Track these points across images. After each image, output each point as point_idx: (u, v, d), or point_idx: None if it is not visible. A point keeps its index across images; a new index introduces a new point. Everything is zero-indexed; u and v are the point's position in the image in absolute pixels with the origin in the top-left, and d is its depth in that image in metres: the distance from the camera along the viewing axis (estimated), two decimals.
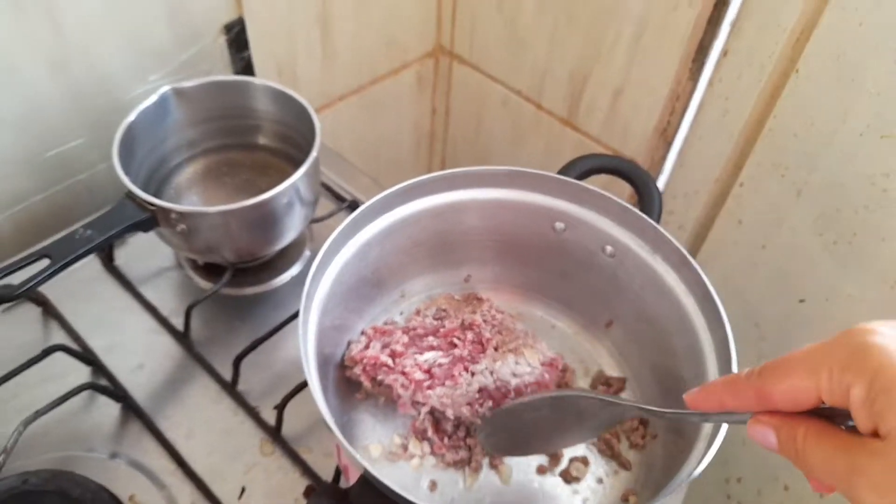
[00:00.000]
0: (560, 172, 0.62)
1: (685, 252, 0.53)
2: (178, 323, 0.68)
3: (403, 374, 0.56)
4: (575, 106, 0.98)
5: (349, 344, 0.60)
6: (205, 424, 0.62)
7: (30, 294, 0.64)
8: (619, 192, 0.60)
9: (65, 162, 0.76)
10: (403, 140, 1.23)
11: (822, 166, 0.72)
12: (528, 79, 1.02)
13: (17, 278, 0.56)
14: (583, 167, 0.62)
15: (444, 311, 0.63)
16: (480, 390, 0.55)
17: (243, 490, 0.58)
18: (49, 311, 0.68)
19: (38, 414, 0.56)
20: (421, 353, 0.57)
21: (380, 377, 0.57)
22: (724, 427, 0.45)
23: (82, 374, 0.64)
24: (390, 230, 0.60)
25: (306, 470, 0.60)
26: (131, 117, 0.67)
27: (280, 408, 0.60)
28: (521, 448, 0.55)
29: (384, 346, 0.58)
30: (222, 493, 0.58)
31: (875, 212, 0.70)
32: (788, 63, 0.71)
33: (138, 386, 0.64)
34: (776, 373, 0.31)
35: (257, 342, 0.64)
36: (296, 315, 0.66)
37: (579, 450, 0.58)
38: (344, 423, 0.59)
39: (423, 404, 0.55)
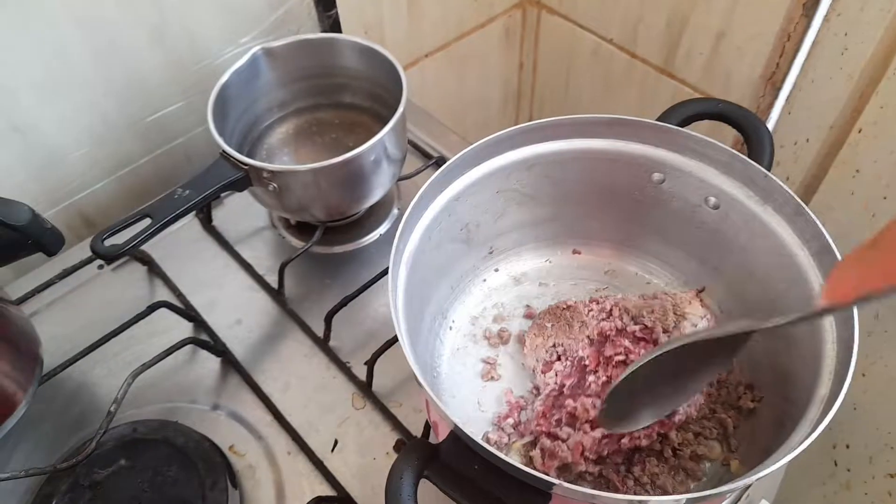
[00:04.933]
0: (659, 120, 0.58)
1: (800, 201, 0.49)
2: (272, 280, 0.70)
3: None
4: (672, 52, 0.93)
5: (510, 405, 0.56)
6: (299, 378, 0.64)
7: (134, 253, 0.67)
8: (722, 141, 0.56)
9: (164, 126, 0.78)
10: (491, 98, 1.20)
11: None
12: (621, 26, 0.97)
13: (121, 238, 0.58)
14: (684, 113, 0.57)
15: (554, 346, 0.57)
16: None
17: (336, 442, 0.60)
18: (154, 270, 0.71)
19: (145, 367, 0.59)
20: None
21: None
22: (844, 391, 0.42)
23: (185, 329, 0.67)
24: (479, 184, 0.58)
25: (396, 424, 0.60)
26: (224, 78, 0.68)
27: (370, 363, 0.61)
28: (642, 418, 0.50)
29: (572, 424, 0.52)
30: (316, 444, 0.59)
31: None
32: None
33: (237, 341, 0.66)
34: None
35: (347, 299, 0.65)
36: (384, 272, 0.66)
37: None
38: (433, 378, 0.59)
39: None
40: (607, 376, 0.53)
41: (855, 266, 0.31)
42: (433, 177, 0.54)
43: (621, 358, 0.53)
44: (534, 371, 0.58)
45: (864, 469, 0.95)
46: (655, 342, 0.52)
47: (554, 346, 0.57)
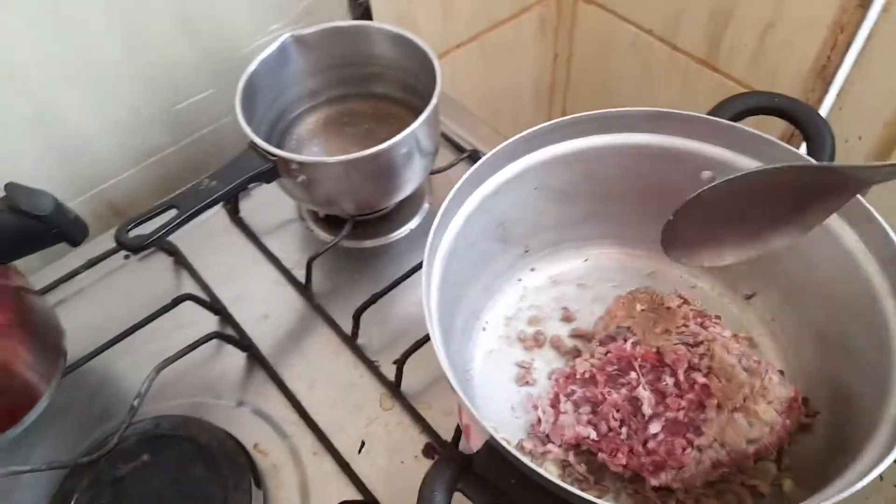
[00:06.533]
0: (709, 114, 0.55)
1: (869, 206, 0.45)
2: (300, 275, 0.68)
3: (614, 449, 0.48)
4: (715, 45, 0.89)
5: (536, 410, 0.53)
6: (326, 376, 0.62)
7: (160, 244, 0.66)
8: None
9: (193, 115, 0.77)
10: (523, 90, 1.17)
11: None
12: (662, 17, 0.93)
13: (147, 228, 0.57)
14: (736, 108, 0.54)
15: (629, 329, 0.54)
16: (714, 465, 0.46)
17: (363, 444, 0.58)
18: (180, 261, 0.70)
19: (168, 361, 0.58)
20: (623, 414, 0.49)
21: (584, 447, 0.50)
22: None
23: (211, 322, 0.66)
24: (517, 181, 0.55)
25: (426, 427, 0.58)
26: (252, 67, 0.66)
27: (400, 363, 0.59)
28: (716, 248, 0.44)
29: (578, 405, 0.51)
30: (342, 445, 0.57)
31: None
32: None
33: (263, 336, 0.65)
34: None
35: (377, 296, 0.63)
36: (415, 269, 0.64)
37: None
38: (466, 381, 0.56)
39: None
40: (636, 392, 0.49)
41: None
42: (468, 172, 0.51)
43: (656, 386, 0.49)
44: (594, 337, 0.56)
45: None
46: (698, 403, 0.48)
47: (629, 328, 0.54)
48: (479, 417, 0.39)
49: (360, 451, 0.58)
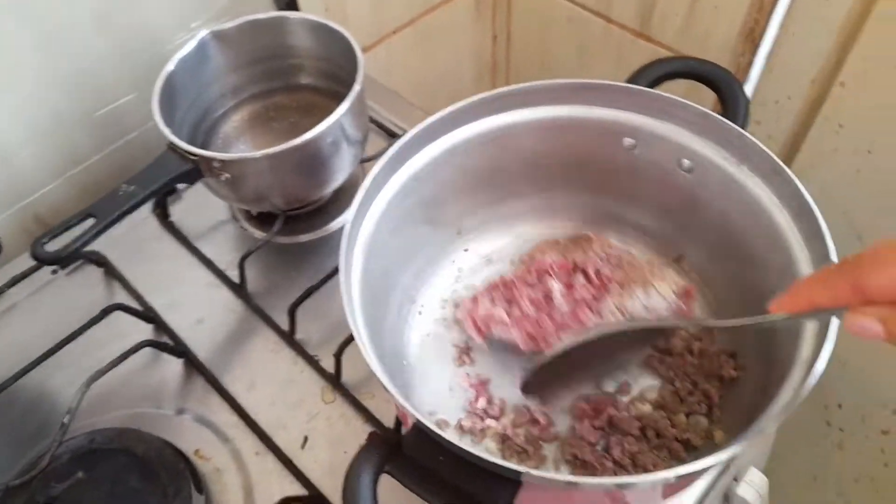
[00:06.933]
0: (628, 81, 0.54)
1: (777, 160, 0.45)
2: (234, 275, 0.67)
3: (523, 325, 0.52)
4: (648, 14, 0.89)
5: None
6: (266, 375, 0.61)
7: (80, 255, 0.64)
8: (701, 105, 0.53)
9: (117, 119, 0.75)
10: (464, 73, 1.16)
11: None
12: None
13: (66, 240, 0.55)
14: (653, 74, 0.54)
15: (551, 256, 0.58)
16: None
17: (306, 439, 0.57)
18: (110, 272, 0.68)
19: (100, 373, 0.56)
20: (535, 303, 0.53)
21: (496, 333, 0.53)
22: (826, 353, 0.39)
23: (145, 331, 0.64)
24: (441, 160, 0.55)
25: (369, 416, 0.57)
26: (171, 66, 0.64)
27: (337, 355, 0.58)
28: (568, 391, 0.53)
29: (496, 301, 0.54)
30: (285, 442, 0.57)
31: None
32: None
33: (199, 341, 0.63)
34: (874, 264, 0.30)
35: (311, 290, 0.62)
36: None
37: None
38: (402, 366, 0.56)
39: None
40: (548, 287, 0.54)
41: (813, 284, 0.33)
42: (386, 155, 0.50)
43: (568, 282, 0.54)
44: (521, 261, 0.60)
45: (857, 428, 0.93)
46: (603, 286, 0.53)
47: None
48: (402, 400, 0.39)
49: (303, 447, 0.57)
